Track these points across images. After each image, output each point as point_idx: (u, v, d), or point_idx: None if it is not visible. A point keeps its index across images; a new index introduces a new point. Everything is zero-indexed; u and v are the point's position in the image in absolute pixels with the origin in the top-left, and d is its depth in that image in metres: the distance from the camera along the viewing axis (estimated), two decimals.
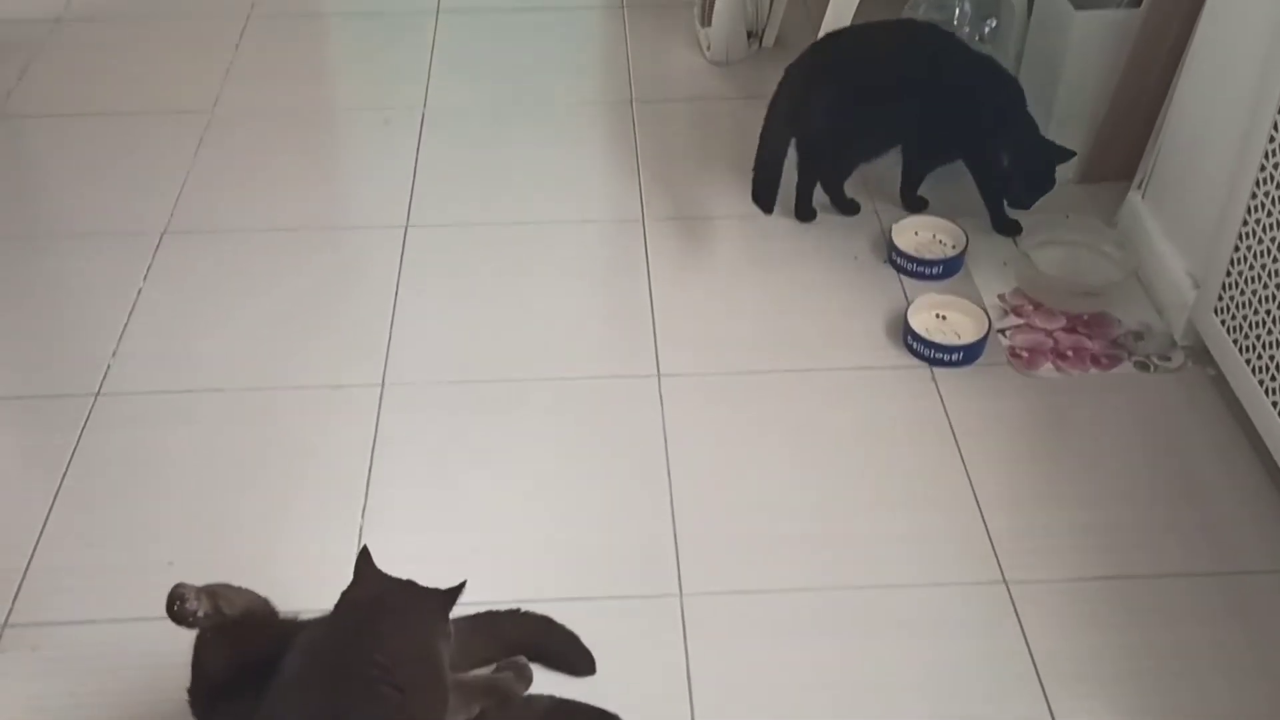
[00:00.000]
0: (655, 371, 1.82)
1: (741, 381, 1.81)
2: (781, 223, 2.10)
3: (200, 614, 1.18)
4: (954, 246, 2.01)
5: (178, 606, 1.17)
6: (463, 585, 1.24)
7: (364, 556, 1.29)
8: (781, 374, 1.82)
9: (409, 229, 2.10)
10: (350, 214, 2.18)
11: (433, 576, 1.27)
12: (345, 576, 1.30)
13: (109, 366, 1.83)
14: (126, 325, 1.90)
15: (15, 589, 1.51)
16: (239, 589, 1.25)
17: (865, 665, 1.44)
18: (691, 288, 1.97)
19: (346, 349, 1.87)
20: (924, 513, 1.62)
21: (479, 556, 1.55)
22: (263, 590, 1.31)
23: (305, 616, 1.29)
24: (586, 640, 1.44)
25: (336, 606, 1.25)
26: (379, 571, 1.28)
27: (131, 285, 1.97)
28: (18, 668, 1.44)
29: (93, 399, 1.78)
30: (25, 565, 1.54)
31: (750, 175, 2.10)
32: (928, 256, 1.99)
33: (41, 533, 1.58)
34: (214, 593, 1.20)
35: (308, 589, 1.43)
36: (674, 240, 2.07)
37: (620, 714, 1.36)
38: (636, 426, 1.74)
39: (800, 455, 1.70)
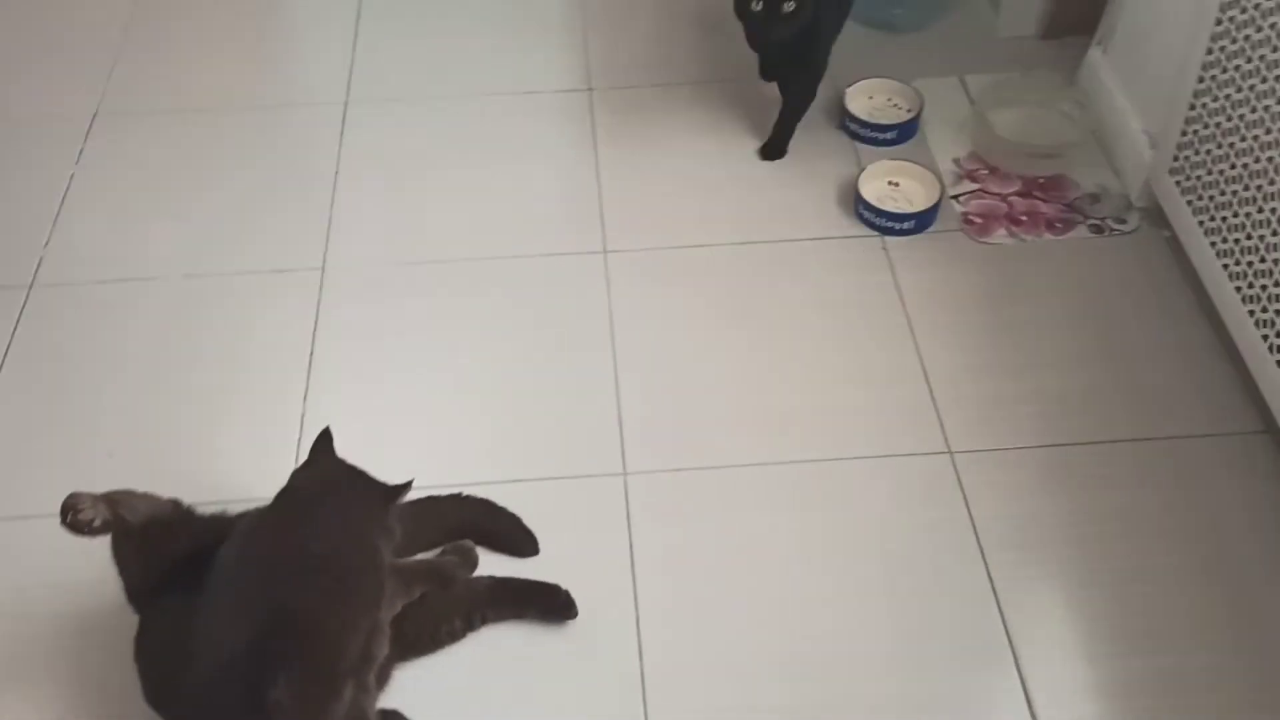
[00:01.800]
0: (601, 248, 1.79)
1: (689, 255, 1.78)
2: (734, 89, 2.03)
3: (97, 523, 1.16)
4: (909, 110, 1.95)
5: (71, 517, 1.15)
6: (409, 484, 1.23)
7: (323, 438, 1.28)
8: (729, 247, 1.79)
9: (349, 104, 2.03)
10: (288, 90, 2.11)
11: (375, 461, 1.26)
12: (289, 464, 1.29)
13: (42, 257, 1.79)
14: (59, 213, 1.85)
15: None
16: (142, 495, 1.23)
17: (809, 539, 1.45)
18: (640, 160, 1.92)
19: (286, 231, 1.82)
20: (871, 385, 1.61)
21: (421, 441, 1.54)
22: (201, 483, 1.31)
23: (244, 506, 1.29)
24: (530, 522, 1.45)
25: (283, 489, 1.24)
26: (333, 456, 1.27)
27: (63, 171, 1.92)
28: None
29: (27, 290, 1.74)
30: None
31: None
32: (881, 121, 1.93)
33: None
34: (114, 500, 1.18)
35: (250, 477, 1.43)
36: (622, 110, 2.01)
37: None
38: (581, 305, 1.71)
39: (747, 330, 1.68)
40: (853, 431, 1.55)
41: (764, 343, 1.66)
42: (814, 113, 1.97)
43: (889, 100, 1.97)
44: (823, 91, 2.00)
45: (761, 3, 1.70)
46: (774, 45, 1.80)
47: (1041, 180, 1.86)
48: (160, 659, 1.21)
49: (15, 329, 1.69)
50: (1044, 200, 1.84)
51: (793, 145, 1.92)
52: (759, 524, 1.46)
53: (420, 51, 2.14)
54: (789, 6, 1.70)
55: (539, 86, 2.07)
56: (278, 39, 2.24)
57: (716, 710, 1.31)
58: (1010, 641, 1.35)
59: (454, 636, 1.35)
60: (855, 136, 1.94)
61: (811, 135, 1.94)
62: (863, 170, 1.84)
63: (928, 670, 1.34)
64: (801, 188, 1.87)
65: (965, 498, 1.48)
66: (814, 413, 1.57)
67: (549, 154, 1.95)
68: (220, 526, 1.24)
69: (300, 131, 2.00)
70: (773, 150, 1.91)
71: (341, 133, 1.98)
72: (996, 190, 1.85)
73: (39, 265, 1.77)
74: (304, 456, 1.30)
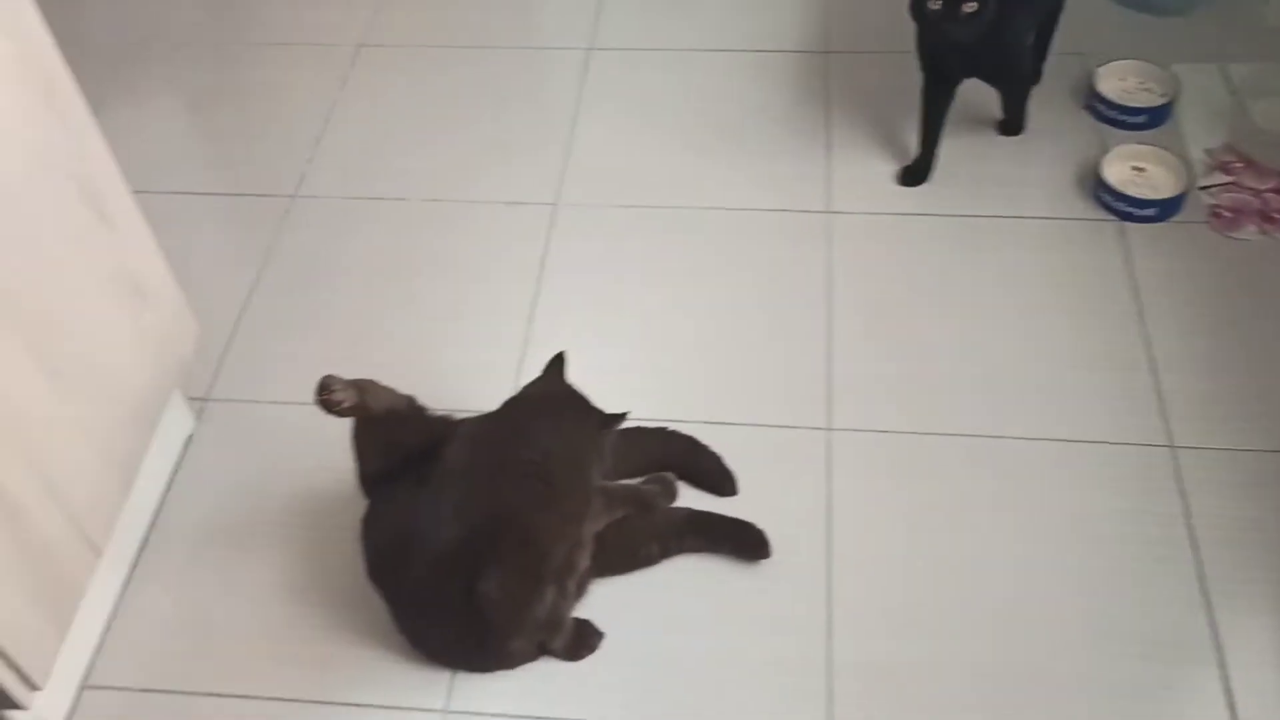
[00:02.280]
0: (826, 208, 1.80)
1: (913, 222, 1.77)
2: None
3: (346, 404, 1.25)
4: (1163, 95, 1.87)
5: (324, 395, 1.25)
6: (624, 415, 1.29)
7: (557, 360, 1.35)
8: (956, 218, 1.77)
9: (592, 51, 2.10)
10: (537, 34, 2.19)
11: (588, 389, 1.33)
12: (509, 384, 1.37)
13: (305, 171, 1.93)
14: (323, 133, 1.99)
15: (215, 369, 1.66)
16: (386, 388, 1.31)
17: (1009, 514, 1.43)
18: (871, 125, 1.92)
19: (524, 167, 1.91)
20: (1092, 369, 1.57)
21: (634, 374, 1.60)
22: (427, 390, 1.40)
23: (460, 416, 1.37)
24: (731, 464, 1.48)
25: (513, 397, 1.33)
26: (561, 378, 1.34)
27: (329, 95, 2.06)
28: (216, 440, 1.58)
29: (290, 200, 1.89)
30: (224, 348, 1.68)
31: None
32: (1132, 104, 1.86)
33: (239, 320, 1.72)
34: (362, 387, 1.27)
35: (471, 390, 1.51)
36: (858, 75, 2.00)
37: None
38: (801, 261, 1.73)
39: (968, 301, 1.66)
40: (1067, 413, 1.52)
41: (983, 316, 1.64)
42: (1059, 91, 1.92)
43: (1141, 83, 1.90)
44: (1070, 70, 1.94)
45: (940, 1, 1.58)
46: (957, 49, 1.67)
47: None
48: (384, 541, 1.30)
49: (277, 233, 1.83)
50: None
51: (1034, 123, 1.88)
52: (960, 492, 1.45)
53: (665, 2, 2.18)
54: (970, 7, 1.56)
55: (778, 45, 2.08)
56: None
57: (898, 663, 1.32)
58: (1217, 640, 1.31)
59: (650, 560, 1.40)
60: (1101, 118, 1.88)
61: (1054, 114, 1.89)
62: (1107, 153, 1.78)
63: (1121, 654, 1.31)
64: (1038, 165, 1.82)
65: (1183, 492, 1.43)
66: (1028, 389, 1.55)
67: (781, 112, 1.97)
68: (446, 427, 1.33)
69: (545, 74, 2.08)
70: (1009, 128, 1.87)
71: (584, 78, 2.05)
72: (1251, 184, 1.76)
73: (302, 179, 1.92)
74: (524, 379, 1.38)
